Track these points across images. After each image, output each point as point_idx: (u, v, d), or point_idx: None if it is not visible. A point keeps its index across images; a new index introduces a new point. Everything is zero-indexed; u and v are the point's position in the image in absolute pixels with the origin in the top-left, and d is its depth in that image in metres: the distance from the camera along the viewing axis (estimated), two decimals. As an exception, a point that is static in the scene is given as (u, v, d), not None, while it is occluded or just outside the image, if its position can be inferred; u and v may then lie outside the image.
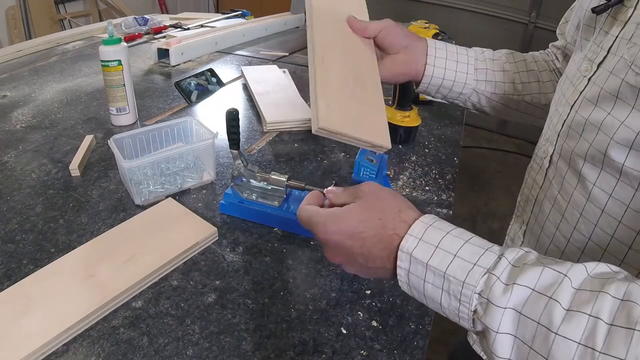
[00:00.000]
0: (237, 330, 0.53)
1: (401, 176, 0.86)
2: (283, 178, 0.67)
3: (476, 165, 2.93)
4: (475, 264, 0.37)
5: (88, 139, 0.88)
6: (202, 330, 0.53)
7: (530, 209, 0.60)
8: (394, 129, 0.95)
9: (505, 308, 0.34)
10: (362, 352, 0.51)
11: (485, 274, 0.36)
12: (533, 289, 0.34)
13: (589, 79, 0.50)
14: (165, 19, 1.79)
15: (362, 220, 0.44)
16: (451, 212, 0.78)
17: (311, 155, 0.91)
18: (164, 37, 1.59)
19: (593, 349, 0.30)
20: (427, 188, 0.83)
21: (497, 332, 0.34)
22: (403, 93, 0.93)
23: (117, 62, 0.92)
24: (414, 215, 0.43)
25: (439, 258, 0.38)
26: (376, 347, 0.52)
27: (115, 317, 0.54)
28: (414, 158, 0.92)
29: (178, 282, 0.59)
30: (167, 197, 0.74)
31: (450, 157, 0.94)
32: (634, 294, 0.31)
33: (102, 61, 0.92)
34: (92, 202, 0.73)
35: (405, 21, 1.00)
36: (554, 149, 0.54)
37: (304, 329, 0.54)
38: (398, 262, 0.41)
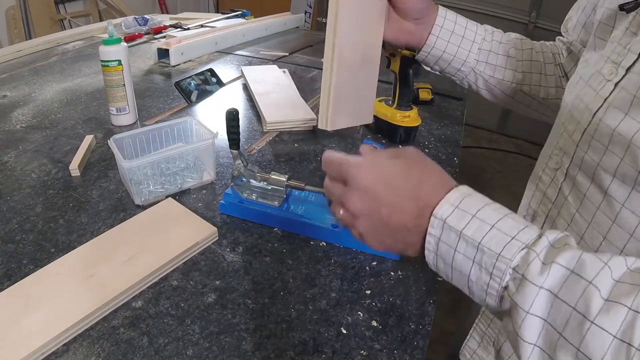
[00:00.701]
0: (237, 330, 0.53)
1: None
2: (283, 178, 0.67)
3: (476, 165, 2.93)
4: (513, 238, 0.34)
5: (88, 139, 0.88)
6: (202, 330, 0.52)
7: (541, 226, 0.55)
8: (394, 129, 0.95)
9: (540, 287, 0.32)
10: (362, 352, 0.51)
11: (523, 248, 0.34)
12: (572, 271, 0.32)
13: (616, 84, 0.44)
14: (165, 19, 1.79)
15: (403, 173, 0.41)
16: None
17: (311, 155, 0.91)
18: (164, 37, 1.59)
19: (630, 345, 0.28)
20: (427, 188, 0.83)
21: (527, 313, 0.32)
22: (403, 93, 0.93)
23: (117, 62, 0.92)
24: (454, 183, 0.41)
25: (475, 227, 0.36)
26: (376, 347, 0.52)
27: (115, 317, 0.54)
28: (414, 158, 0.92)
29: (178, 282, 0.59)
30: (167, 197, 0.74)
31: (450, 157, 0.94)
32: None
33: (102, 61, 0.92)
34: (92, 202, 0.73)
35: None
36: (571, 161, 0.48)
37: (304, 329, 0.54)
38: (429, 229, 0.38)
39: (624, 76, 0.44)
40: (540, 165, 0.56)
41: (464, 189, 0.39)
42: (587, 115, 0.47)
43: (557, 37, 0.74)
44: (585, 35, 0.63)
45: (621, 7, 0.46)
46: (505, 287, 0.34)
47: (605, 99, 0.45)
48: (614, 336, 0.29)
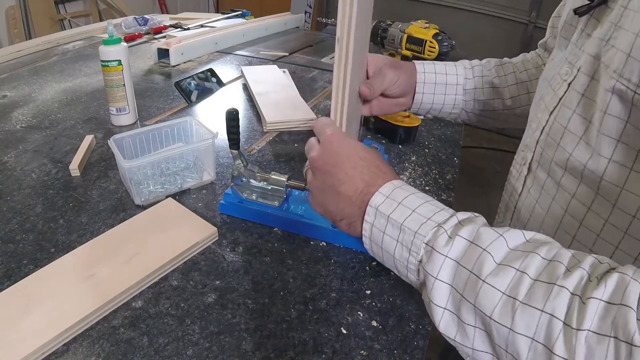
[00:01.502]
0: (237, 330, 0.53)
1: (401, 176, 0.86)
2: (283, 178, 0.67)
3: (476, 165, 2.94)
4: (429, 219, 0.40)
5: (88, 139, 0.88)
6: (202, 330, 0.53)
7: (510, 217, 0.59)
8: (394, 129, 0.95)
9: (446, 257, 0.36)
10: (362, 352, 0.51)
11: (435, 227, 0.39)
12: (471, 242, 0.36)
13: (569, 84, 0.48)
14: (165, 19, 1.79)
15: (365, 155, 0.47)
16: (451, 212, 0.78)
17: (311, 155, 0.91)
18: (164, 37, 1.59)
19: (515, 299, 0.32)
20: (427, 188, 0.83)
21: (435, 278, 0.37)
22: (403, 93, 0.93)
23: (117, 62, 0.92)
24: (395, 178, 0.47)
25: (400, 212, 0.41)
26: (376, 347, 0.52)
27: (115, 317, 0.54)
28: (414, 158, 0.92)
29: (178, 282, 0.59)
30: (167, 197, 0.74)
31: (450, 157, 0.94)
32: (562, 256, 0.33)
33: (102, 61, 0.92)
34: (92, 202, 0.73)
35: (405, 21, 1.00)
36: (533, 156, 0.53)
37: (304, 329, 0.54)
38: (365, 217, 0.44)
39: (575, 76, 0.47)
40: (513, 161, 0.60)
41: (397, 182, 0.45)
42: (545, 114, 0.51)
43: (538, 44, 0.74)
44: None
45: (575, 11, 0.49)
46: (420, 261, 0.39)
47: (560, 99, 0.48)
48: (503, 292, 0.32)
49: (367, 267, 0.63)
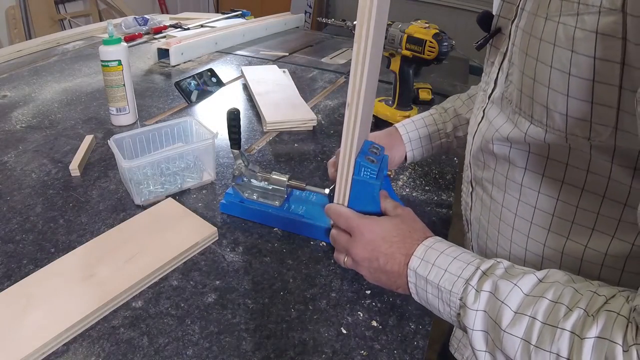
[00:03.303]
0: (237, 330, 0.53)
1: (401, 176, 0.86)
2: (284, 178, 0.67)
3: (476, 165, 2.93)
4: (459, 277, 0.45)
5: (88, 139, 0.88)
6: (202, 330, 0.52)
7: (468, 228, 0.63)
8: (394, 129, 0.95)
9: (476, 310, 0.42)
10: (362, 352, 0.51)
11: (464, 284, 0.44)
12: (492, 293, 0.42)
13: (484, 111, 0.53)
14: (165, 19, 1.79)
15: (396, 228, 0.53)
16: (451, 212, 0.78)
17: (311, 155, 0.91)
18: (164, 37, 1.59)
19: (529, 343, 0.37)
20: (427, 188, 0.83)
21: (472, 330, 0.42)
22: (403, 93, 0.93)
23: (117, 62, 0.92)
24: (427, 236, 0.52)
25: (434, 273, 0.47)
26: (376, 347, 0.52)
27: (115, 317, 0.54)
28: (414, 158, 0.92)
29: (178, 282, 0.59)
30: (167, 197, 0.74)
31: (451, 157, 0.94)
32: (565, 296, 0.38)
33: (102, 61, 0.92)
34: (92, 202, 0.73)
35: (405, 21, 1.00)
36: (471, 175, 0.58)
37: (304, 329, 0.54)
38: (409, 278, 0.50)
39: (487, 103, 0.52)
40: (462, 179, 0.65)
41: (428, 242, 0.50)
42: (470, 138, 0.57)
43: None
44: None
45: (475, 45, 0.54)
46: (459, 314, 0.45)
47: (479, 124, 0.54)
48: (521, 338, 0.38)
49: (367, 267, 0.63)
